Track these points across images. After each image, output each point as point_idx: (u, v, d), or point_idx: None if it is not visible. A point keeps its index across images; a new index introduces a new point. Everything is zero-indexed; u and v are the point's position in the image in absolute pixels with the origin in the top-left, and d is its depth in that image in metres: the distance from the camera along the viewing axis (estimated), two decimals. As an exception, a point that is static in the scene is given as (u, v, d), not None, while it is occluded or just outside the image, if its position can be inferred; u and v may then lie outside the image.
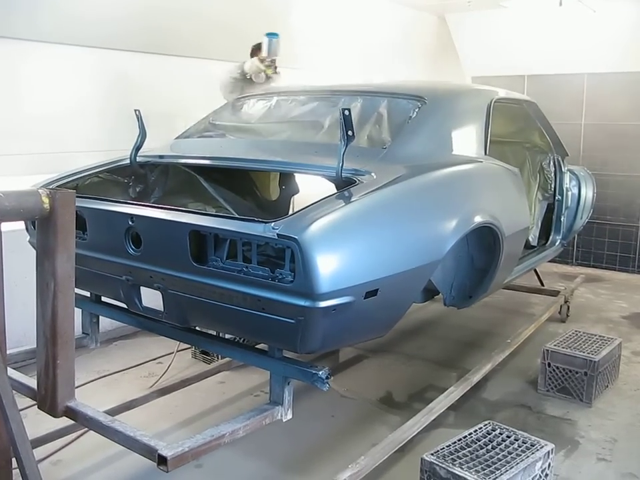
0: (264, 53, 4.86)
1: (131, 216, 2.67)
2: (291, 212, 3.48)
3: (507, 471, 2.49)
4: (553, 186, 4.92)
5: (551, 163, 4.93)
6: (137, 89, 4.91)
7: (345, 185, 2.63)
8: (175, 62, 5.26)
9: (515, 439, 2.73)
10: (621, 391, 4.06)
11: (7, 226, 2.20)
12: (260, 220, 2.36)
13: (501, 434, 2.78)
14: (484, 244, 3.35)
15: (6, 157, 4.16)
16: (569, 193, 4.96)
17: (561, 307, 5.30)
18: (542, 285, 5.78)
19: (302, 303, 2.25)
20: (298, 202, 4.39)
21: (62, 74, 4.55)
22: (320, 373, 2.45)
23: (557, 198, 4.90)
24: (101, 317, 3.42)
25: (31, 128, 4.33)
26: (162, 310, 2.81)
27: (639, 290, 6.45)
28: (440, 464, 2.54)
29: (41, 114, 4.39)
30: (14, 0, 4.11)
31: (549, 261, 5.34)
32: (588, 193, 5.13)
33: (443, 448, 2.66)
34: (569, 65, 7.10)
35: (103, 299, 3.31)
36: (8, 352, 3.06)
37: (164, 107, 4.96)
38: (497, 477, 2.45)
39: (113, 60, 4.83)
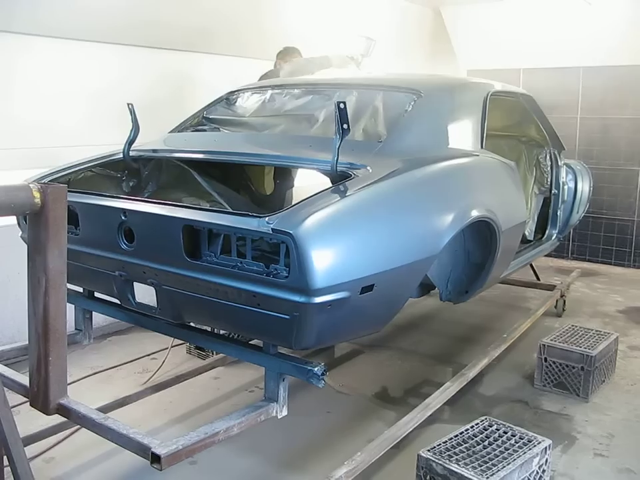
0: (362, 51, 5.64)
1: (124, 211, 2.64)
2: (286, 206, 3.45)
3: (504, 467, 2.47)
4: (549, 180, 4.90)
5: (548, 157, 4.91)
6: (137, 84, 4.86)
7: (340, 178, 2.61)
8: (182, 57, 5.23)
9: (511, 435, 2.72)
10: (618, 385, 4.05)
11: (-1, 221, 2.17)
12: (254, 214, 2.32)
13: (498, 430, 2.76)
14: (480, 238, 3.33)
15: (3, 151, 4.12)
16: (566, 187, 4.94)
17: (557, 301, 5.29)
18: (538, 279, 5.76)
19: (297, 298, 2.22)
20: (295, 196, 4.36)
21: (61, 69, 4.49)
22: (315, 369, 2.43)
23: (553, 192, 4.88)
24: (94, 313, 3.38)
25: (29, 122, 4.28)
26: (155, 306, 2.78)
27: (635, 284, 6.45)
28: (436, 460, 2.52)
29: (41, 109, 4.35)
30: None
31: (545, 255, 5.32)
32: (584, 186, 5.11)
33: (440, 444, 2.64)
34: (564, 59, 7.09)
35: (96, 294, 3.28)
36: (0, 348, 3.05)
37: (168, 103, 4.93)
38: (494, 473, 2.43)
39: (113, 55, 4.77)
